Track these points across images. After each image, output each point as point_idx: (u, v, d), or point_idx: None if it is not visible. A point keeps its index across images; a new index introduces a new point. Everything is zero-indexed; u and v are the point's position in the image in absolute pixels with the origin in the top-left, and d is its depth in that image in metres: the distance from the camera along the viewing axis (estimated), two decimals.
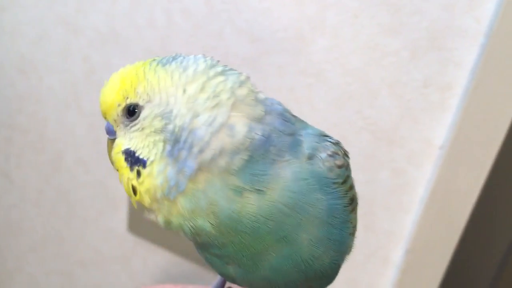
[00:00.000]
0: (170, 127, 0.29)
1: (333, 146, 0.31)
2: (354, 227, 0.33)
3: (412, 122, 0.61)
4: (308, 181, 0.29)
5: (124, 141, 0.30)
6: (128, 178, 0.30)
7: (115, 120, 0.31)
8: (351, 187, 0.32)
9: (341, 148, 0.32)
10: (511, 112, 0.55)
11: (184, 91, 0.29)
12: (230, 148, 0.28)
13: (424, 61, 0.58)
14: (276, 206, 0.28)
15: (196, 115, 0.28)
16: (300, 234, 0.29)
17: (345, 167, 0.31)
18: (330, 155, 0.30)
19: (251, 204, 0.28)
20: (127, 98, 0.30)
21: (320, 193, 0.29)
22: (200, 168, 0.28)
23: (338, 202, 0.30)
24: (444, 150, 0.60)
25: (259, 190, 0.28)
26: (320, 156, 0.30)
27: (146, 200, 0.30)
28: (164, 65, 0.30)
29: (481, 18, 0.54)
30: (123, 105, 0.30)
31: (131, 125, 0.30)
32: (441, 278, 0.66)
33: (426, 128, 0.61)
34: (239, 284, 0.33)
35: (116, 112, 0.31)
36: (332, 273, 0.32)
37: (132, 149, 0.30)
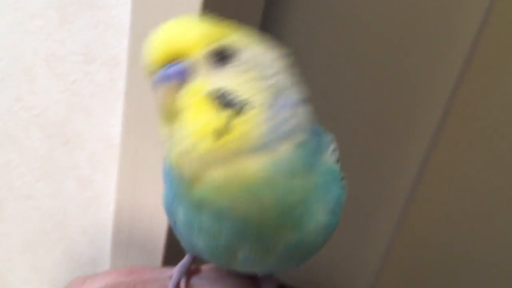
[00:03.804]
0: (273, 80, 0.28)
1: (333, 141, 0.32)
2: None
3: (84, 113, 0.45)
4: (326, 178, 0.29)
5: (212, 81, 0.28)
6: (210, 120, 0.27)
7: (194, 62, 0.28)
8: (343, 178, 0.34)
9: (335, 142, 0.34)
10: None
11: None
12: (304, 125, 0.28)
13: (77, 24, 0.42)
14: (307, 194, 0.28)
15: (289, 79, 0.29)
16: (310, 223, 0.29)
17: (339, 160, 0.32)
18: (334, 150, 0.31)
19: (296, 187, 0.28)
20: (220, 39, 0.28)
21: (333, 186, 0.30)
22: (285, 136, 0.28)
23: (342, 193, 0.31)
24: (121, 149, 0.44)
25: (305, 174, 0.28)
26: (328, 152, 0.30)
27: (240, 143, 0.27)
28: None
29: None
30: (215, 45, 0.28)
31: (227, 66, 0.28)
32: None
33: (102, 121, 0.46)
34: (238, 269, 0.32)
35: (200, 52, 0.28)
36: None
37: (227, 89, 0.28)
